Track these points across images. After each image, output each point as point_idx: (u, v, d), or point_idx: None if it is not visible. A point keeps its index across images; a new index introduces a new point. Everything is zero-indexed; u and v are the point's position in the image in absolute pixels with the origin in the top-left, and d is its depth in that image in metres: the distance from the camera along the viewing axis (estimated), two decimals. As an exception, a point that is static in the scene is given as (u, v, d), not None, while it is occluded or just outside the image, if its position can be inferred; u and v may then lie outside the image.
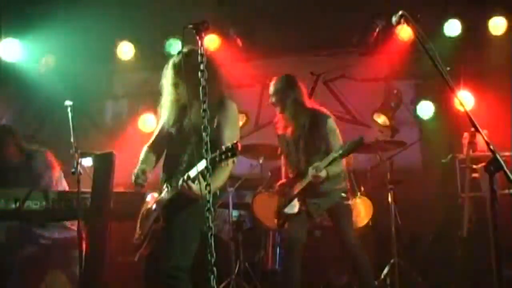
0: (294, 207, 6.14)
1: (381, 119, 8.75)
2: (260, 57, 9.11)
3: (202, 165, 4.12)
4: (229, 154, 4.10)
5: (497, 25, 8.54)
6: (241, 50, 8.85)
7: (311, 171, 5.78)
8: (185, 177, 4.36)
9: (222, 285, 6.87)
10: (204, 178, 3.95)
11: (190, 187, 4.34)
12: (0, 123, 7.53)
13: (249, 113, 9.02)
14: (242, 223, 7.78)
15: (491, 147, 3.56)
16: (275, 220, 6.49)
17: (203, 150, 3.89)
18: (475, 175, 7.26)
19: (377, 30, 8.40)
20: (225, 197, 7.43)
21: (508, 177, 3.49)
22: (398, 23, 4.03)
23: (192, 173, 4.32)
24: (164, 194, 4.70)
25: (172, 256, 4.52)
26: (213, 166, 4.14)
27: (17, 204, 5.64)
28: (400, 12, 4.02)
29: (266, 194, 7.29)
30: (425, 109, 8.86)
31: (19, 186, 5.83)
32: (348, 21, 8.50)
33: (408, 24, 4.04)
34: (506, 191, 6.89)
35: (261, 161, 7.86)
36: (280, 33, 8.68)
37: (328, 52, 9.23)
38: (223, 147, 4.12)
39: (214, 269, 3.78)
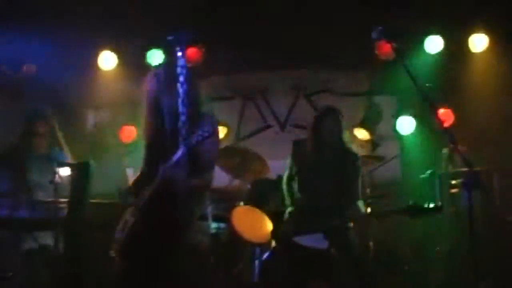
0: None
1: (361, 133, 8.78)
2: (242, 70, 9.13)
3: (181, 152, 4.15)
4: (206, 134, 4.28)
5: (477, 42, 8.60)
6: (222, 62, 8.83)
7: None
8: (167, 165, 4.39)
9: (200, 297, 6.84)
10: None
11: (172, 175, 4.39)
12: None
13: (230, 125, 9.01)
14: (220, 235, 7.74)
15: (468, 162, 3.58)
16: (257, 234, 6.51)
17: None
18: (454, 190, 7.29)
19: (359, 45, 8.41)
20: (204, 210, 7.42)
21: (485, 192, 3.51)
22: (378, 38, 4.06)
23: (173, 161, 4.37)
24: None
25: (147, 268, 4.50)
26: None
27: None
28: (380, 28, 4.05)
29: (245, 207, 7.25)
30: (406, 124, 8.89)
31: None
32: (330, 35, 8.51)
33: (387, 40, 4.06)
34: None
35: (241, 173, 7.82)
36: (262, 46, 8.68)
37: (310, 66, 9.25)
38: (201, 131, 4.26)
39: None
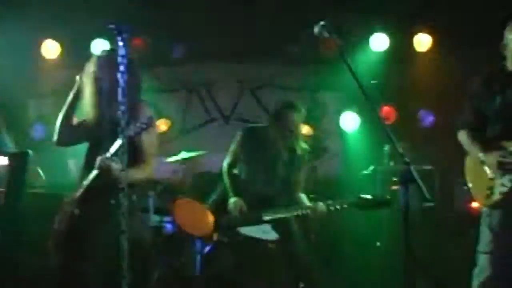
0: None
1: (304, 129, 8.79)
2: (187, 62, 9.07)
3: (119, 143, 4.09)
4: (144, 126, 4.26)
5: (421, 41, 8.69)
6: (167, 54, 8.75)
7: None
8: (104, 156, 4.33)
9: (141, 291, 6.77)
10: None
11: (109, 166, 4.31)
12: None
13: (174, 118, 8.97)
14: (163, 229, 7.68)
15: (406, 159, 3.61)
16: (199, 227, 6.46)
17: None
18: (395, 187, 7.37)
19: (305, 40, 8.42)
20: (146, 202, 7.36)
21: (421, 189, 3.54)
22: (321, 33, 4.05)
23: (111, 151, 4.31)
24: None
25: (82, 261, 4.45)
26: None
27: None
28: (322, 23, 4.04)
29: (187, 200, 7.21)
30: (350, 121, 8.96)
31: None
32: (276, 30, 8.51)
33: (330, 35, 4.06)
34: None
35: (184, 166, 7.78)
36: (208, 39, 8.64)
37: (255, 60, 9.25)
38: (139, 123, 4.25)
39: (126, 274, 3.72)
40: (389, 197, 6.05)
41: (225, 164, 6.18)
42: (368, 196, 5.78)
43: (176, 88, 9.31)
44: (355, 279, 7.69)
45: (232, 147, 6.16)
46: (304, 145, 6.14)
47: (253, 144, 6.05)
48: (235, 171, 6.18)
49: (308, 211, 5.84)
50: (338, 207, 5.81)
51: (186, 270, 7.35)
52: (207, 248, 6.91)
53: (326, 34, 4.05)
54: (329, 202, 5.85)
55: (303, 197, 6.10)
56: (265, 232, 5.87)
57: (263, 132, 6.06)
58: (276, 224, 5.86)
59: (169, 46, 8.68)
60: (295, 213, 5.88)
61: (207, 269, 6.51)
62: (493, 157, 4.70)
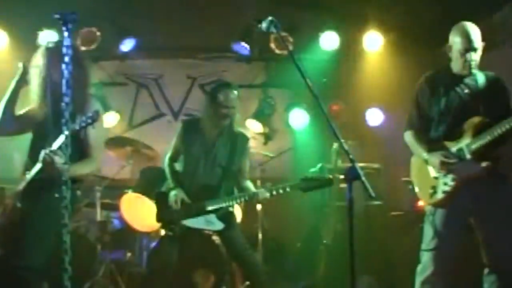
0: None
1: (254, 126, 8.81)
2: (137, 56, 8.98)
3: (63, 137, 4.04)
4: (90, 121, 4.22)
5: (372, 40, 8.74)
6: (117, 47, 8.64)
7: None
8: (48, 149, 4.26)
9: (86, 286, 6.68)
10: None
11: (52, 160, 4.25)
12: None
13: (123, 112, 8.88)
14: (109, 223, 7.62)
15: (351, 156, 3.63)
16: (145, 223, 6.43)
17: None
18: (342, 185, 7.42)
19: (256, 36, 8.40)
20: (92, 197, 7.29)
21: (365, 186, 3.56)
22: (269, 29, 4.04)
23: (55, 145, 4.25)
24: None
25: (23, 255, 4.37)
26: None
27: None
28: (270, 18, 4.03)
29: (134, 195, 7.16)
30: (299, 118, 8.99)
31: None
32: (227, 26, 8.47)
33: (278, 31, 4.05)
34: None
35: (131, 161, 7.72)
36: (158, 33, 8.55)
37: (206, 56, 9.25)
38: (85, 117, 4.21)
39: (68, 268, 3.66)
40: (331, 177, 6.06)
41: (166, 157, 6.12)
42: (310, 176, 5.81)
43: (125, 82, 9.21)
44: (301, 275, 7.73)
45: (174, 140, 6.10)
46: (242, 131, 6.14)
47: (192, 135, 5.99)
48: (178, 164, 6.13)
49: (251, 197, 5.83)
50: (281, 191, 5.81)
51: (132, 265, 7.32)
52: (153, 243, 6.90)
53: (274, 30, 4.03)
54: (272, 186, 5.85)
55: (248, 184, 6.08)
56: (210, 223, 5.85)
57: (201, 123, 6.02)
58: (221, 214, 5.86)
59: (118, 39, 8.56)
60: (238, 201, 5.87)
61: (153, 263, 6.49)
62: (436, 157, 4.78)
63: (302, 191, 5.82)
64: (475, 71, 4.90)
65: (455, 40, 4.88)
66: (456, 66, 4.92)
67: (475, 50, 4.83)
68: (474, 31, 4.86)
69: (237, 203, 5.92)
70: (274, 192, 5.81)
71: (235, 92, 5.97)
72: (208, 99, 6.02)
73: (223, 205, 5.84)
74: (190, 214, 5.82)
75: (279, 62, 8.73)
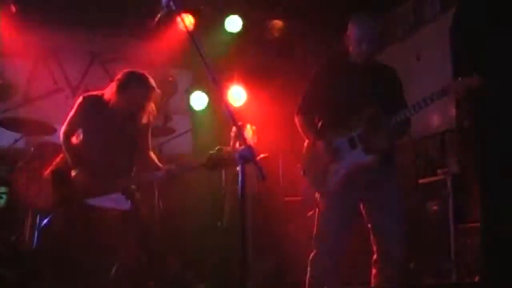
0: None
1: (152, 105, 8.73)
2: (35, 29, 8.68)
3: None
4: None
5: (275, 25, 8.79)
6: (14, 18, 8.33)
7: None
8: None
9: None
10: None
11: None
12: None
13: (19, 85, 8.59)
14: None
15: (246, 139, 3.64)
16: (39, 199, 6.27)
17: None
18: (238, 168, 7.43)
19: (159, 15, 8.26)
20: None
21: (258, 169, 3.58)
22: (168, 6, 3.98)
23: None
24: None
25: None
26: None
27: None
28: (169, -4, 3.98)
29: (28, 169, 6.97)
30: (199, 100, 8.97)
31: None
32: (130, 3, 8.35)
33: (178, 9, 4.01)
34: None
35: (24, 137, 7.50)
36: (58, 7, 8.30)
37: (107, 32, 9.05)
38: None
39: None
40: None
41: (62, 132, 5.81)
42: (216, 154, 5.77)
43: (23, 53, 8.90)
44: (199, 258, 7.73)
45: (71, 114, 5.81)
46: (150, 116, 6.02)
47: (96, 111, 5.73)
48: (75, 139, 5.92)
49: (159, 173, 5.74)
50: (188, 167, 5.79)
51: (22, 245, 7.12)
52: (45, 221, 6.72)
53: (173, 8, 3.97)
54: (177, 167, 5.78)
55: (153, 157, 5.92)
56: (117, 202, 5.65)
57: (105, 101, 5.81)
58: (126, 192, 5.69)
59: (18, 10, 8.26)
60: (146, 179, 5.79)
61: (44, 243, 6.32)
62: (324, 143, 4.85)
63: (208, 170, 5.80)
64: (372, 61, 4.99)
65: (352, 30, 4.95)
66: (353, 55, 4.99)
67: (370, 41, 4.90)
68: (371, 22, 4.95)
69: (146, 180, 5.81)
70: (182, 169, 5.75)
71: (152, 91, 5.75)
72: (121, 90, 5.81)
73: (131, 181, 5.74)
74: (96, 192, 5.61)
75: (181, 42, 8.65)
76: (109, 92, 5.76)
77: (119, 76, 5.73)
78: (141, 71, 5.75)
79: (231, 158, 5.81)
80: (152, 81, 5.71)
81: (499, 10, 5.36)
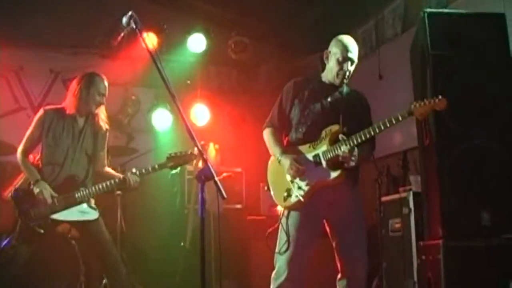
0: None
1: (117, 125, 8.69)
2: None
3: None
4: None
5: (238, 45, 8.80)
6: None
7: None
8: None
9: None
10: None
11: None
12: None
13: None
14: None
15: (205, 157, 3.63)
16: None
17: None
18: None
19: (122, 34, 8.22)
20: None
21: (218, 187, 3.56)
22: (128, 24, 3.96)
23: None
24: None
25: None
26: None
27: None
28: (130, 13, 3.96)
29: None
30: (162, 119, 8.92)
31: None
32: (93, 21, 8.31)
33: (137, 27, 3.98)
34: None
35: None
36: (22, 24, 8.22)
37: (70, 50, 9.01)
38: None
39: None
40: (195, 152, 6.03)
41: (19, 151, 5.84)
42: (175, 153, 5.76)
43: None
44: (160, 279, 7.67)
45: (30, 130, 5.85)
46: (105, 124, 6.02)
47: (56, 124, 5.82)
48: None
49: (121, 181, 5.73)
50: (149, 169, 5.77)
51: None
52: (4, 242, 6.61)
53: (133, 26, 3.96)
54: (138, 170, 5.77)
55: (110, 170, 6.04)
56: (84, 213, 5.71)
57: (63, 112, 5.86)
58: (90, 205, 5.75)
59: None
60: (109, 185, 5.76)
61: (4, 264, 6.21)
62: (288, 160, 4.85)
63: (170, 169, 5.88)
64: (344, 83, 5.01)
65: (333, 50, 4.99)
66: (329, 74, 5.02)
67: (352, 61, 4.96)
68: (354, 44, 5.03)
69: (108, 188, 5.78)
70: (144, 171, 5.77)
71: (106, 83, 5.96)
72: (85, 83, 5.85)
73: (93, 191, 5.72)
74: (61, 207, 5.63)
75: (144, 61, 8.60)
76: (67, 100, 5.89)
77: (73, 82, 5.91)
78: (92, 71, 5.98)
79: (189, 155, 5.83)
80: (104, 77, 5.98)
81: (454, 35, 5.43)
